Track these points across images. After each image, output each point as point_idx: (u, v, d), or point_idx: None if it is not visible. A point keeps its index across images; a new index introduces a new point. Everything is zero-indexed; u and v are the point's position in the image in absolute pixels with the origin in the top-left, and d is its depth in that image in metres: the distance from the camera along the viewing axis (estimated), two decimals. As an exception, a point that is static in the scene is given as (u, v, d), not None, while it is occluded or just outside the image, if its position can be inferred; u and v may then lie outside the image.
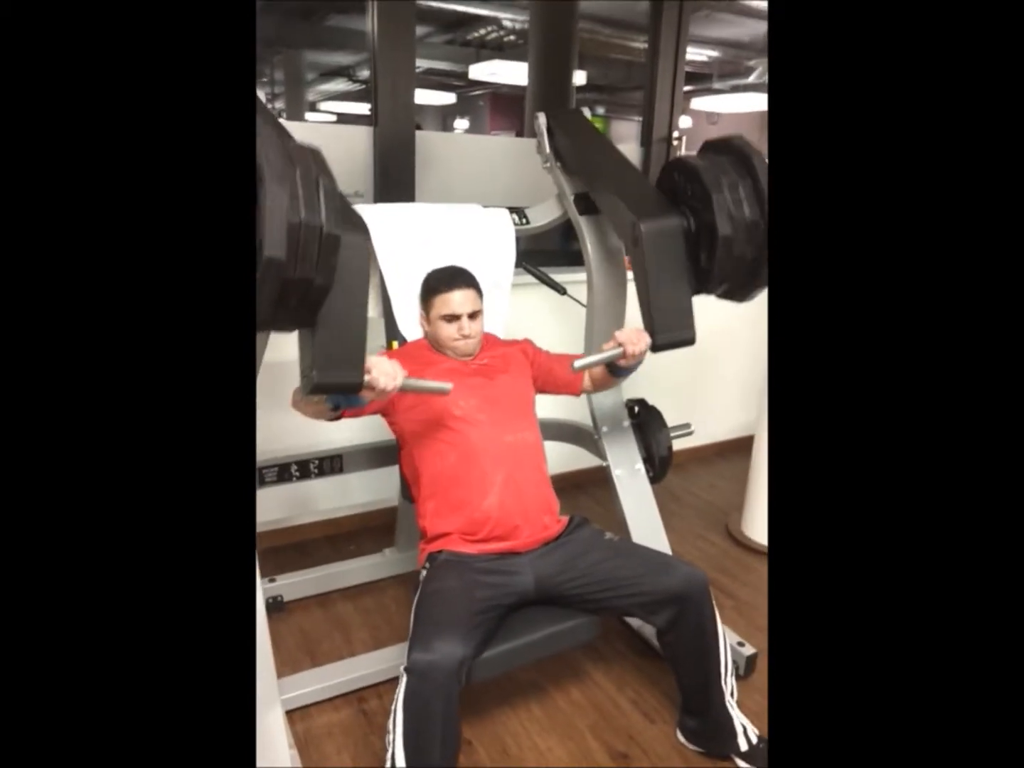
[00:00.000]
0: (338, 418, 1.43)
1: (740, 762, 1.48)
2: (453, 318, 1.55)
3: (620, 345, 1.45)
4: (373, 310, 1.72)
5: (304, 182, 1.06)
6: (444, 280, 1.57)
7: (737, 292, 1.61)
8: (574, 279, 1.97)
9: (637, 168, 1.72)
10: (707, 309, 2.97)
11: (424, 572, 1.48)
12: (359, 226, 1.22)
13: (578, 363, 1.45)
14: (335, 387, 1.23)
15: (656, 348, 1.47)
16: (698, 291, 1.55)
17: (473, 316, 1.57)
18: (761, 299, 1.44)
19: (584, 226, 1.82)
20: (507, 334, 1.81)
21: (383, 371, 1.25)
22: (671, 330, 1.46)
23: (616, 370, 1.56)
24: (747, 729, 1.49)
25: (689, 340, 1.49)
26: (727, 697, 1.48)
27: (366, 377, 1.22)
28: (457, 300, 1.55)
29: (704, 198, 1.46)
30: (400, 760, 1.21)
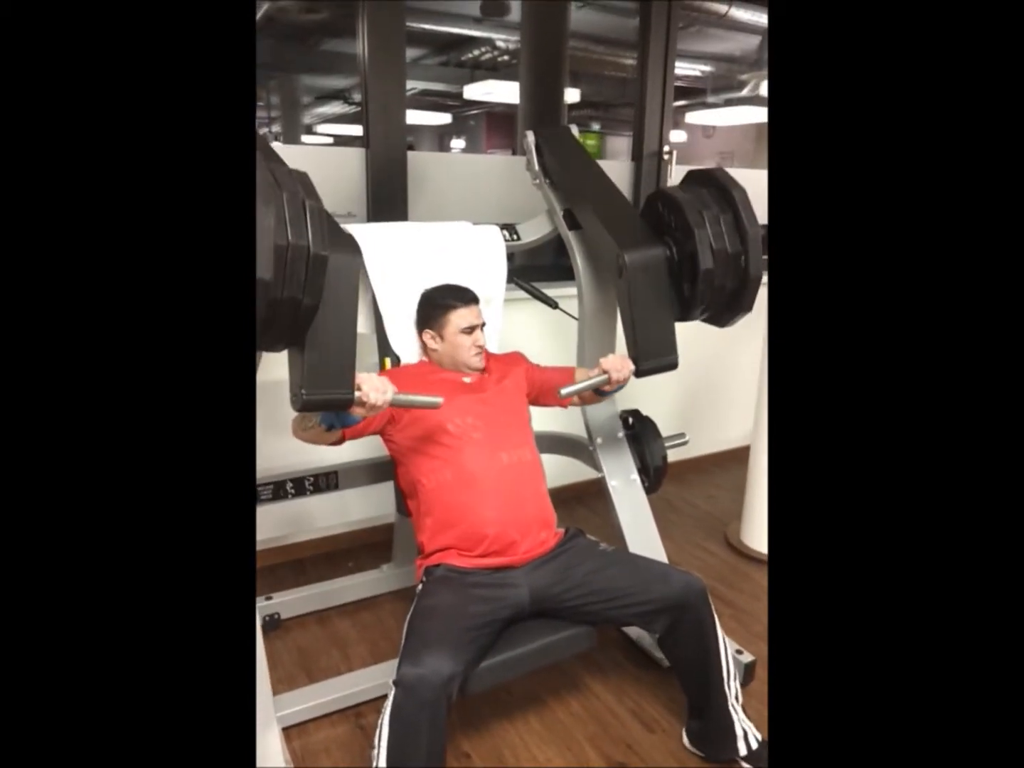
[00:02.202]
0: (340, 441, 1.45)
1: (744, 764, 1.48)
2: (472, 329, 1.62)
3: (605, 372, 1.52)
4: (365, 327, 1.74)
5: (291, 204, 1.09)
6: (456, 296, 1.64)
7: (718, 318, 1.67)
8: (566, 293, 1.99)
9: (621, 193, 1.77)
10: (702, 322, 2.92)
11: (420, 586, 1.49)
12: (348, 245, 1.25)
13: (564, 391, 1.53)
14: (325, 404, 1.22)
15: (639, 374, 1.55)
16: (681, 318, 1.62)
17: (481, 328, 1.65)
18: (758, 310, 1.47)
19: (574, 241, 1.85)
20: (501, 348, 1.83)
21: (373, 386, 1.26)
22: (654, 357, 1.55)
23: (602, 392, 1.62)
24: (748, 733, 1.48)
25: (671, 365, 1.57)
26: (730, 700, 1.48)
27: (356, 393, 1.23)
28: (474, 313, 1.63)
29: (686, 230, 1.51)
30: None
